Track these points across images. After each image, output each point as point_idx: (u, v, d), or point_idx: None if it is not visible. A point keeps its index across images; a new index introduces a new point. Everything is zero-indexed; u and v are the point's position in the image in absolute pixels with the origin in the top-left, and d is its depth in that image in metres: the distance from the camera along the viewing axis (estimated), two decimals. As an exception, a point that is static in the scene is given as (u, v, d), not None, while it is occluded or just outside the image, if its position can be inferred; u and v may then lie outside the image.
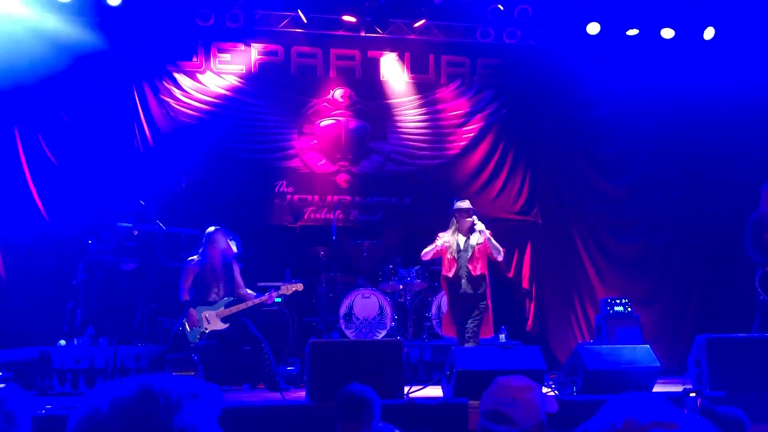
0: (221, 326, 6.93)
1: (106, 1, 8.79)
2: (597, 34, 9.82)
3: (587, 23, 9.75)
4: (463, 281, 7.12)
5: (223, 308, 6.95)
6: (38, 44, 8.78)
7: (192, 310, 6.86)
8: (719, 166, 10.13)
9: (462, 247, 7.16)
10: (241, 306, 7.03)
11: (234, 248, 7.65)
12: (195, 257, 7.14)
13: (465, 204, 7.32)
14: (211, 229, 7.23)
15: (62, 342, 7.70)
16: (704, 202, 10.14)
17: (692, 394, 3.15)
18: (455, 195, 9.34)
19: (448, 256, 7.19)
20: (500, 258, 7.23)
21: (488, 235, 7.09)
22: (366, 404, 3.69)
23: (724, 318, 9.81)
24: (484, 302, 7.12)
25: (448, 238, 7.25)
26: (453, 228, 7.28)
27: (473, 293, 7.10)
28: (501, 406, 2.35)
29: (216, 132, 9.50)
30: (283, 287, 7.27)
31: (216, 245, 7.10)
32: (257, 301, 7.10)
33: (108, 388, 1.29)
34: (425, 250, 7.32)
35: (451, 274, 7.17)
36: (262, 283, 8.37)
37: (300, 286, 7.35)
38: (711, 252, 10.08)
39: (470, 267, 7.09)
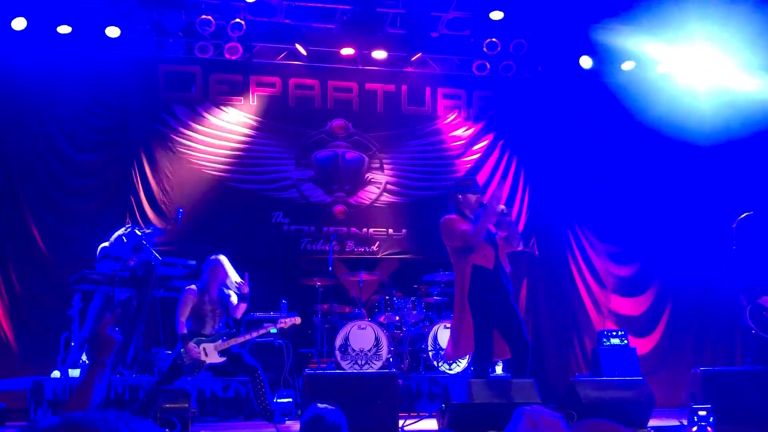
0: (219, 360, 6.82)
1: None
2: (590, 68, 9.95)
3: (580, 57, 9.87)
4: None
5: (220, 341, 6.85)
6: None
7: (191, 344, 6.74)
8: (713, 200, 10.21)
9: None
10: (240, 339, 6.92)
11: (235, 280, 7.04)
12: (193, 286, 6.94)
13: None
14: (217, 257, 6.97)
15: (56, 373, 7.65)
16: (699, 232, 10.18)
17: (702, 413, 3.09)
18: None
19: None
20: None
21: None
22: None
23: (721, 351, 9.82)
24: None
25: None
26: None
27: None
28: None
29: (212, 162, 9.55)
30: (281, 321, 7.17)
31: (217, 274, 6.89)
32: (255, 334, 7.01)
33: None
34: None
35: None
36: (258, 314, 8.34)
37: (298, 320, 7.24)
38: (707, 283, 10.09)
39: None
